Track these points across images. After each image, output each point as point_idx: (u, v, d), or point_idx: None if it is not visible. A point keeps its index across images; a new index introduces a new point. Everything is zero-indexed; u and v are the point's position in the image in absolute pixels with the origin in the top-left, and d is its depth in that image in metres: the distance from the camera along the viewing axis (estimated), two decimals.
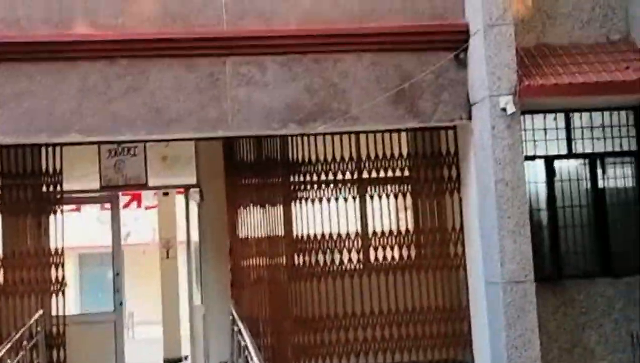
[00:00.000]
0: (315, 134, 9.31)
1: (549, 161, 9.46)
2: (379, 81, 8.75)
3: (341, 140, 9.64)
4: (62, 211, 9.70)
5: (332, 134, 9.38)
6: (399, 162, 9.83)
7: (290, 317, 9.60)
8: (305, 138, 9.59)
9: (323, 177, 9.77)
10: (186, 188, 11.65)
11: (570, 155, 9.56)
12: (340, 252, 9.71)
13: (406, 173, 9.87)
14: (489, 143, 8.34)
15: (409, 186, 9.88)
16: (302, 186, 9.77)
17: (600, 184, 9.54)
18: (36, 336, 9.10)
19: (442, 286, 9.77)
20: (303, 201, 9.75)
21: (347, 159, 9.77)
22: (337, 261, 9.70)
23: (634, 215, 9.51)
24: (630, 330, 9.27)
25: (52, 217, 9.68)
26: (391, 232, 9.85)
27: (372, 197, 9.88)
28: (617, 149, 9.61)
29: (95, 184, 10.82)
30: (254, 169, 9.98)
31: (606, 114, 9.55)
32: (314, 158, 9.71)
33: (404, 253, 9.86)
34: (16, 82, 8.25)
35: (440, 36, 8.86)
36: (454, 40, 8.82)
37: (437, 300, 9.77)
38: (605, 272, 9.41)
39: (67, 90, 8.36)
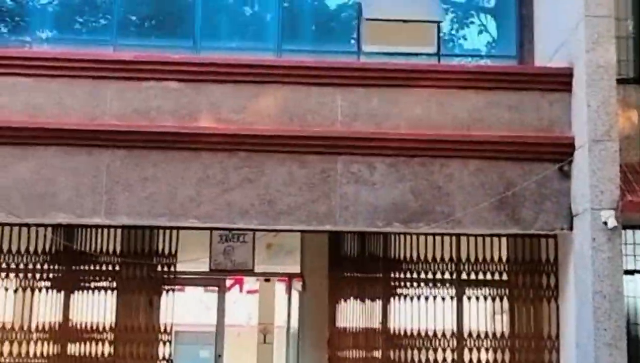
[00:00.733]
0: (417, 234, 9.65)
1: None
2: (482, 186, 9.07)
3: (442, 240, 9.94)
4: (173, 291, 10.21)
5: (434, 234, 9.69)
6: (498, 266, 10.07)
7: None
8: (407, 237, 9.94)
9: (422, 275, 10.08)
10: (290, 276, 12.04)
11: None
12: (435, 351, 9.91)
13: (504, 277, 10.09)
14: (589, 255, 8.50)
15: (507, 290, 10.08)
16: (402, 283, 10.11)
17: None
18: None
19: None
20: (402, 297, 10.07)
21: (447, 259, 10.08)
22: (431, 359, 9.89)
23: None
24: None
25: (163, 296, 10.18)
26: (487, 334, 10.01)
27: (469, 298, 10.10)
28: None
29: (205, 267, 11.30)
30: (357, 264, 10.35)
31: None
32: (414, 256, 10.05)
33: (499, 356, 9.95)
34: (143, 168, 8.89)
35: (545, 148, 9.16)
36: (559, 153, 9.10)
37: None
38: None
39: (189, 178, 8.95)
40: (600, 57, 8.76)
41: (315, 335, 11.04)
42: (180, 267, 10.53)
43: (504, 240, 10.05)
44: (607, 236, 8.47)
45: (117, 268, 10.19)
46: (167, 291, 10.22)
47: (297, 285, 11.70)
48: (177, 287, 10.58)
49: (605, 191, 8.55)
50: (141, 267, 10.15)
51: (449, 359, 9.94)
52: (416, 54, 10.86)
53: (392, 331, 10.02)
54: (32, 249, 9.94)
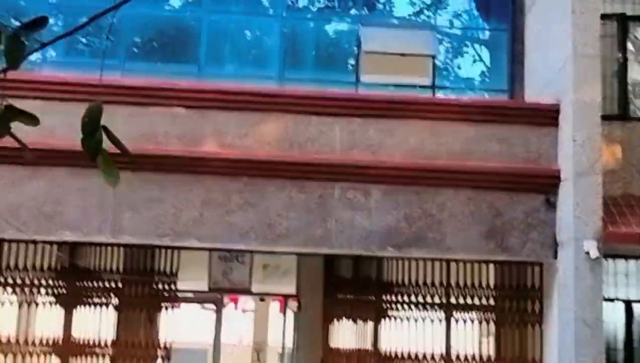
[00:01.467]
0: (410, 259, 10.06)
1: (628, 304, 9.92)
2: (473, 215, 9.48)
3: (433, 266, 10.33)
4: (173, 308, 10.57)
5: (425, 259, 10.10)
6: (486, 291, 10.43)
7: None
8: (400, 261, 10.33)
9: (413, 299, 10.45)
10: (285, 297, 12.41)
11: None
12: None
13: (492, 302, 10.46)
14: (571, 283, 8.91)
15: (494, 315, 10.46)
16: (393, 306, 10.49)
17: None
18: None
19: None
20: (393, 319, 10.44)
21: (437, 284, 10.44)
22: None
23: None
24: None
25: (163, 313, 10.54)
26: (473, 357, 10.38)
27: (457, 321, 10.47)
28: None
29: (203, 286, 11.68)
30: (351, 286, 10.74)
31: None
32: (406, 280, 10.43)
33: None
34: (149, 189, 9.28)
35: (533, 179, 9.59)
36: (546, 184, 9.53)
37: None
38: None
39: (192, 200, 9.34)
40: (586, 95, 9.20)
41: (309, 354, 11.36)
42: (179, 285, 10.88)
43: (491, 266, 10.43)
44: (589, 266, 8.88)
45: (118, 285, 10.53)
46: (167, 308, 10.56)
47: (293, 305, 12.06)
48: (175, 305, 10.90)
49: (589, 223, 8.96)
50: (142, 285, 10.49)
51: None
52: (412, 86, 11.31)
53: (383, 352, 10.38)
54: (38, 265, 10.28)
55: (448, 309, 10.49)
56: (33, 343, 10.24)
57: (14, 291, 10.30)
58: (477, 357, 10.39)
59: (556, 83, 9.72)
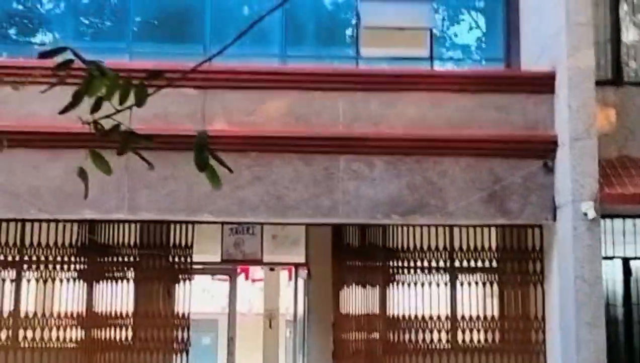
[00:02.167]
0: (414, 225, 10.46)
1: (626, 261, 10.31)
2: (473, 181, 9.86)
3: (437, 231, 10.75)
4: (189, 280, 11.01)
5: (429, 226, 10.51)
6: (488, 254, 10.88)
7: None
8: (405, 228, 10.74)
9: (419, 263, 10.89)
10: (295, 265, 12.80)
11: None
12: (431, 332, 10.75)
13: (494, 264, 10.91)
14: (570, 243, 9.30)
15: (497, 276, 10.91)
16: (399, 271, 10.92)
17: None
18: None
19: None
20: (399, 284, 10.87)
21: (441, 249, 10.88)
22: (427, 340, 10.73)
23: None
24: None
25: (180, 285, 10.99)
26: (478, 317, 10.86)
27: (462, 284, 10.93)
28: None
29: (216, 258, 12.08)
30: (358, 253, 11.15)
31: None
32: (411, 246, 10.86)
33: (489, 337, 10.81)
34: (163, 168, 9.63)
35: (530, 145, 9.96)
36: (543, 149, 9.90)
37: None
38: None
39: (204, 177, 9.68)
40: (580, 62, 9.54)
41: (320, 319, 11.75)
42: (193, 258, 11.28)
43: (493, 230, 10.84)
44: (587, 226, 9.26)
45: (136, 259, 10.98)
46: (183, 280, 11.00)
47: (303, 273, 12.44)
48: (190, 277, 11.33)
49: (585, 185, 9.33)
50: (159, 258, 10.93)
51: (444, 340, 10.76)
52: (410, 58, 11.64)
53: (390, 315, 10.83)
54: (59, 243, 10.73)
55: (452, 272, 10.92)
56: (58, 316, 10.68)
57: (37, 269, 10.74)
58: (481, 317, 10.85)
59: (550, 51, 10.05)
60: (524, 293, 10.77)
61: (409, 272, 10.90)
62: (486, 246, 10.84)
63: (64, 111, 2.98)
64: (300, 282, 12.70)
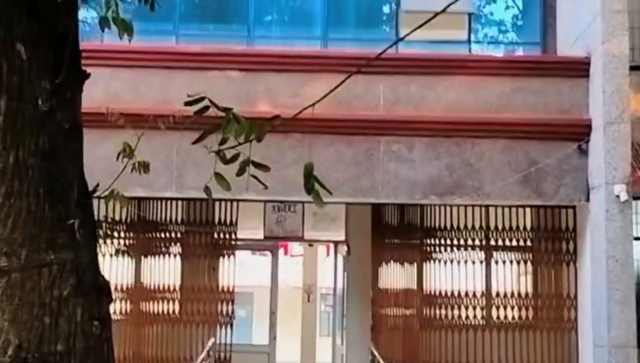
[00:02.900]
0: (451, 205, 10.80)
1: None
2: (509, 163, 10.14)
3: (473, 211, 11.08)
4: (234, 255, 11.44)
5: (466, 206, 10.83)
6: (523, 234, 11.21)
7: (419, 361, 11.00)
8: (442, 208, 11.09)
9: (455, 242, 11.24)
10: (335, 242, 13.18)
11: None
12: (466, 308, 11.12)
13: (529, 244, 11.23)
14: (603, 224, 9.58)
15: (531, 255, 11.24)
16: (436, 249, 11.27)
17: None
18: (207, 360, 10.82)
19: (555, 346, 10.99)
20: (436, 261, 11.22)
21: (477, 228, 11.22)
22: (463, 316, 11.10)
23: None
24: None
25: (224, 260, 11.43)
26: (512, 294, 11.20)
27: (496, 262, 11.26)
28: None
29: (259, 235, 12.53)
30: (396, 231, 11.52)
31: None
32: (448, 225, 11.21)
33: (523, 313, 11.16)
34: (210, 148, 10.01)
35: (565, 128, 10.21)
36: (578, 133, 10.14)
37: (549, 358, 10.99)
38: None
39: (251, 157, 10.05)
40: (614, 48, 9.76)
41: (360, 294, 12.17)
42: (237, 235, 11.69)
43: (528, 210, 11.14)
44: (619, 208, 9.52)
45: (183, 235, 11.42)
46: (227, 256, 11.43)
47: (342, 249, 12.80)
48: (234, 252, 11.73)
49: (618, 168, 9.58)
50: (205, 235, 11.37)
51: (479, 316, 11.13)
52: (450, 42, 11.90)
53: (427, 291, 11.19)
54: (110, 219, 11.14)
55: (488, 250, 11.25)
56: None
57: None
58: (515, 294, 11.18)
59: (586, 37, 10.27)
60: (557, 271, 11.07)
61: (445, 250, 11.25)
62: (521, 225, 11.14)
63: (196, 142, 3.42)
64: (340, 258, 13.06)
